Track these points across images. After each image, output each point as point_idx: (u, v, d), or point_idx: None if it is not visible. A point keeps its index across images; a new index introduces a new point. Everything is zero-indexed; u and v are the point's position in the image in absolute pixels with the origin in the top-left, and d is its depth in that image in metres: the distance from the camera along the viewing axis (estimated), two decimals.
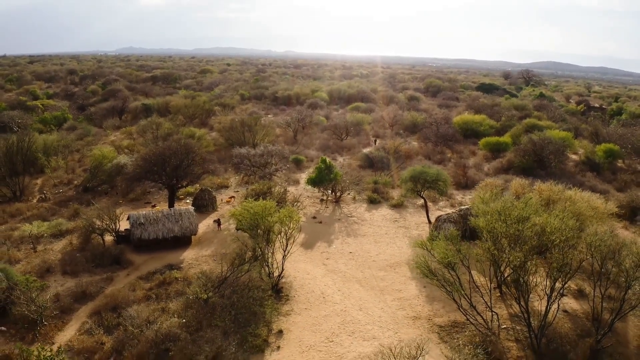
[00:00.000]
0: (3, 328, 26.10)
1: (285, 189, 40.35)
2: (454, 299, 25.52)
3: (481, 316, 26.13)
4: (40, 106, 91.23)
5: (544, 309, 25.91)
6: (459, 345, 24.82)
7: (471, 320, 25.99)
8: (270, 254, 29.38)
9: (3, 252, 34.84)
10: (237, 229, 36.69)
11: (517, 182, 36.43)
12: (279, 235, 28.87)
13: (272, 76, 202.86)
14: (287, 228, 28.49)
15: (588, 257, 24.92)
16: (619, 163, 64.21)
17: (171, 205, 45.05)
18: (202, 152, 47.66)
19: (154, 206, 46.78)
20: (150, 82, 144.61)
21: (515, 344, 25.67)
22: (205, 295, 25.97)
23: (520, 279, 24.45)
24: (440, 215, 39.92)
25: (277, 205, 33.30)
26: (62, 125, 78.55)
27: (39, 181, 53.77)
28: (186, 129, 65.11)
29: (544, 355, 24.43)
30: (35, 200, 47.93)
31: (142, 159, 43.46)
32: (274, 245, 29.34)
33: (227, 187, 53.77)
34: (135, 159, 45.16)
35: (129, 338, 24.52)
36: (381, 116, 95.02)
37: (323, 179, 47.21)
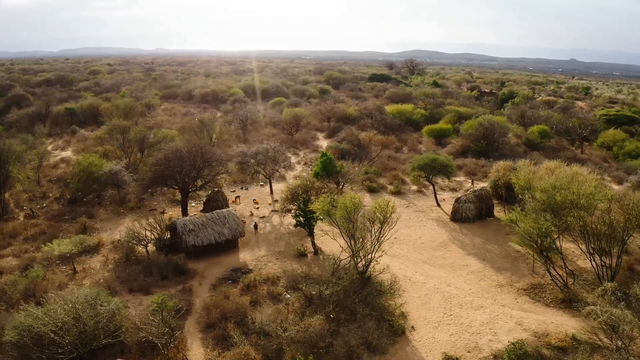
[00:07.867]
0: None
1: (326, 184, 41.16)
2: (545, 263, 29.32)
3: (560, 276, 30.26)
4: None
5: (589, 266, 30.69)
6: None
7: (556, 282, 29.98)
8: (364, 243, 30.45)
9: (39, 275, 31.04)
10: (296, 226, 37.06)
11: (524, 163, 41.79)
12: (377, 225, 29.96)
13: (166, 75, 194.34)
14: (385, 217, 29.75)
15: None
16: (547, 142, 74.15)
17: (184, 208, 43.18)
18: (219, 153, 46.04)
19: (162, 212, 44.28)
20: (45, 86, 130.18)
21: (587, 294, 30.19)
22: (330, 291, 26.55)
23: (601, 241, 28.85)
24: (460, 197, 43.84)
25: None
26: None
27: (7, 195, 47.23)
28: (159, 131, 61.35)
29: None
30: (21, 217, 42.50)
31: (159, 163, 41.04)
32: (371, 234, 30.42)
33: (220, 187, 52.37)
34: (150, 164, 42.35)
35: (272, 344, 24.20)
36: (318, 110, 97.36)
37: (330, 171, 48.46)
